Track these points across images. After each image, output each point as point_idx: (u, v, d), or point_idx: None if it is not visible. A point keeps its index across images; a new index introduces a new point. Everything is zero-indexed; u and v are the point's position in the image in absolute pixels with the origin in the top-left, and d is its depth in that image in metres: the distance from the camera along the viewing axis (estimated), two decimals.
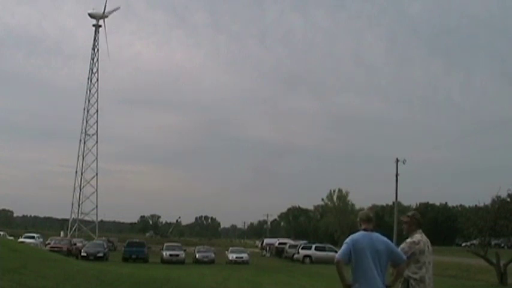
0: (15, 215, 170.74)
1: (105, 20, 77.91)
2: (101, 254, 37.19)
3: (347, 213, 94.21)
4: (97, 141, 76.20)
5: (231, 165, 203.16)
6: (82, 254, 37.09)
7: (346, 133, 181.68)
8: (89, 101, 77.00)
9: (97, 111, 76.73)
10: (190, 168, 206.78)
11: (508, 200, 23.72)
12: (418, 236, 6.30)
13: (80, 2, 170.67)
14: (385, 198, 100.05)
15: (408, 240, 6.31)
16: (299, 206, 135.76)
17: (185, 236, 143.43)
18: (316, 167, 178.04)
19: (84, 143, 76.07)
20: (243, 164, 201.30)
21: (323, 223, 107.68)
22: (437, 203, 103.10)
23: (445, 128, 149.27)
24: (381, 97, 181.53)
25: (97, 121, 76.68)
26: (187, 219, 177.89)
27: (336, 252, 5.77)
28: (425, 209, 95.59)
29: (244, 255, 41.98)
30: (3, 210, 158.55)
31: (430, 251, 6.35)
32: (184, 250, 41.97)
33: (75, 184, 75.82)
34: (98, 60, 77.61)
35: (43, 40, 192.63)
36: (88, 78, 77.58)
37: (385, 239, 5.61)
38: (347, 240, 5.58)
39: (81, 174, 75.54)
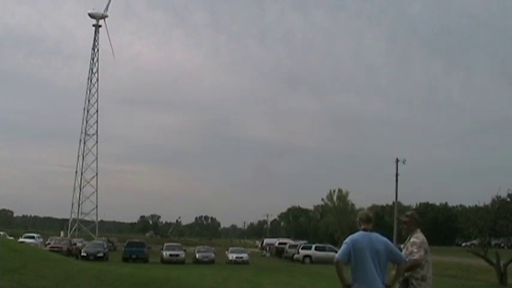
0: (15, 215, 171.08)
1: (106, 20, 77.95)
2: (101, 254, 37.19)
3: (347, 213, 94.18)
4: (97, 141, 76.36)
5: (231, 165, 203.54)
6: (82, 254, 37.09)
7: (346, 133, 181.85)
8: (89, 101, 77.13)
9: (97, 111, 76.89)
10: (190, 168, 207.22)
11: (508, 200, 23.71)
12: (421, 235, 6.29)
13: (80, 2, 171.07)
14: (385, 198, 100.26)
15: (416, 240, 6.22)
16: (299, 206, 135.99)
17: (185, 236, 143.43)
18: (316, 167, 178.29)
19: (84, 143, 76.21)
20: (243, 164, 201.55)
21: (323, 223, 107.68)
22: (437, 203, 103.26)
23: (445, 128, 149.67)
24: (380, 97, 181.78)
25: (97, 121, 76.84)
26: (187, 219, 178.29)
27: (336, 252, 5.76)
28: (425, 209, 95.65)
29: (244, 255, 41.98)
30: (3, 210, 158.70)
31: (429, 250, 6.36)
32: (184, 250, 41.96)
33: (75, 184, 75.98)
34: (98, 60, 77.76)
35: (43, 40, 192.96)
36: (88, 78, 77.74)
37: (385, 239, 5.61)
38: (346, 240, 5.59)
39: (81, 174, 75.67)
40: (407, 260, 5.96)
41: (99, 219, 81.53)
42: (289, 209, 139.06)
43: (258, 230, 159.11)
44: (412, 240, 6.23)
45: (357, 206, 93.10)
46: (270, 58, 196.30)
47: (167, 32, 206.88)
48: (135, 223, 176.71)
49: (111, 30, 78.91)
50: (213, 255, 41.55)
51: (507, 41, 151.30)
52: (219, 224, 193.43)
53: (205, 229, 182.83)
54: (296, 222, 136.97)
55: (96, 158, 75.83)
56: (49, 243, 41.39)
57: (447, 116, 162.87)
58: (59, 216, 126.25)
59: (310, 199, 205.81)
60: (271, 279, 25.24)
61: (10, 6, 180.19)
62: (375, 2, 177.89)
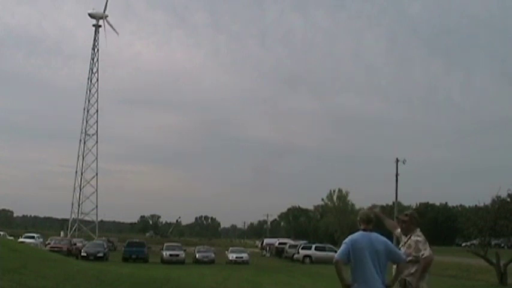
0: (15, 215, 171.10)
1: (106, 18, 77.82)
2: (101, 254, 37.19)
3: (347, 213, 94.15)
4: (97, 141, 76.32)
5: (231, 165, 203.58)
6: (82, 254, 37.09)
7: (346, 133, 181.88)
8: (89, 101, 77.10)
9: (97, 111, 76.84)
10: (190, 168, 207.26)
11: (508, 200, 23.73)
12: (421, 235, 6.28)
13: (80, 2, 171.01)
14: (385, 198, 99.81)
15: (419, 238, 6.19)
16: (299, 206, 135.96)
17: (185, 236, 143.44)
18: (316, 167, 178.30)
19: (84, 143, 76.17)
20: (243, 164, 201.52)
21: (323, 223, 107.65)
22: (437, 203, 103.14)
23: (445, 128, 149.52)
24: (381, 97, 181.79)
25: (97, 121, 76.79)
26: (187, 219, 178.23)
27: (336, 252, 5.75)
28: (425, 209, 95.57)
29: (244, 255, 41.98)
30: (3, 210, 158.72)
31: None
32: (184, 250, 41.96)
33: (75, 184, 75.94)
34: (98, 60, 77.71)
35: (43, 40, 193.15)
36: (88, 78, 77.69)
37: (384, 239, 5.61)
38: (346, 240, 5.59)
39: (81, 174, 75.63)
40: (407, 259, 5.96)
41: (99, 219, 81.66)
42: (289, 209, 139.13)
43: (258, 230, 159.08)
44: (415, 239, 6.19)
45: (357, 206, 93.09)
46: (270, 58, 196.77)
47: (167, 32, 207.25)
48: (135, 223, 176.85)
49: (110, 31, 78.45)
50: (213, 255, 41.55)
51: (507, 41, 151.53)
52: (219, 224, 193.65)
53: (205, 229, 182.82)
54: (296, 222, 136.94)
55: (96, 158, 75.94)
56: (49, 243, 41.39)
57: (447, 116, 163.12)
58: (59, 216, 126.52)
59: (310, 199, 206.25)
60: (271, 279, 25.24)
61: (10, 6, 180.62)
62: (375, 2, 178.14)
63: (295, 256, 44.40)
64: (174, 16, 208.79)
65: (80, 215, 75.78)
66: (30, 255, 16.98)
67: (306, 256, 42.95)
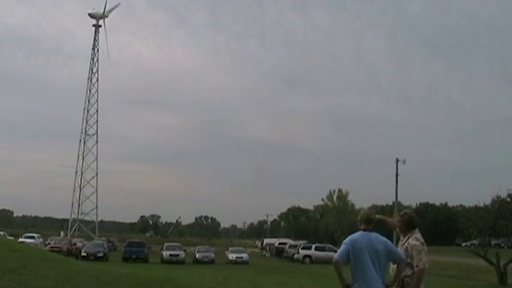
0: (15, 215, 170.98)
1: (105, 20, 77.98)
2: (101, 254, 37.19)
3: (347, 213, 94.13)
4: (97, 141, 76.33)
5: (231, 165, 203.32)
6: (82, 254, 37.09)
7: (346, 133, 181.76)
8: (89, 101, 77.11)
9: (97, 111, 76.85)
10: (190, 168, 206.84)
11: (508, 200, 23.75)
12: (419, 236, 6.19)
13: (80, 2, 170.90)
14: (385, 198, 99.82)
15: (416, 243, 6.00)
16: (299, 206, 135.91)
17: (185, 236, 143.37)
18: (316, 167, 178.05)
19: (84, 143, 76.19)
20: (243, 164, 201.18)
21: (323, 223, 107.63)
22: (437, 203, 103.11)
23: (445, 128, 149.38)
24: (380, 97, 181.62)
25: (97, 121, 76.80)
26: (187, 219, 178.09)
27: (336, 252, 5.74)
28: (425, 209, 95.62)
29: (244, 255, 41.98)
30: (3, 210, 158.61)
31: (427, 251, 6.28)
32: (184, 250, 41.97)
33: (75, 184, 75.96)
34: (98, 60, 77.72)
35: (43, 40, 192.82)
36: (88, 78, 77.72)
37: (384, 239, 5.60)
38: (345, 240, 5.60)
39: (81, 174, 75.64)
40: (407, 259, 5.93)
41: (99, 219, 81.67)
42: (289, 209, 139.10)
43: (258, 230, 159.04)
44: (412, 243, 6.03)
45: (357, 206, 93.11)
46: (270, 58, 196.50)
47: (167, 32, 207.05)
48: (135, 223, 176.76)
49: (111, 31, 78.72)
50: (213, 255, 41.55)
51: (507, 41, 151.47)
52: (219, 224, 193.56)
53: (205, 229, 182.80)
54: (296, 222, 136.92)
55: (96, 158, 75.95)
56: (49, 243, 41.39)
57: (447, 116, 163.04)
58: (59, 216, 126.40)
59: (310, 199, 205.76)
60: (271, 279, 25.25)
61: (10, 6, 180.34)
62: (375, 2, 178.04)
63: (295, 256, 44.40)
64: (174, 16, 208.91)
65: (80, 215, 75.92)
66: (30, 255, 16.98)
67: (306, 256, 42.96)
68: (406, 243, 6.12)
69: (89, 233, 73.11)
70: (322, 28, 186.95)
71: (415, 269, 5.84)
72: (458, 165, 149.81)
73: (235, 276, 26.00)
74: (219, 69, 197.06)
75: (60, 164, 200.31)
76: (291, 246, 50.04)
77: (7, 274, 11.10)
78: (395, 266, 5.81)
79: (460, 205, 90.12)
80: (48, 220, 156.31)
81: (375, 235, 5.56)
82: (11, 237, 46.36)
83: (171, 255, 39.14)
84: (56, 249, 36.46)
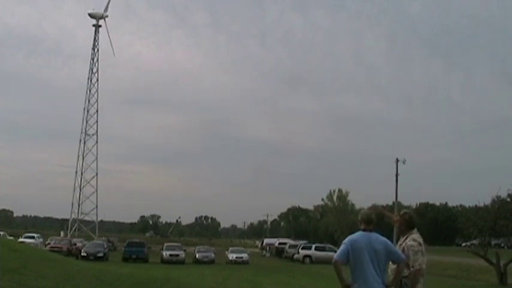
0: (15, 215, 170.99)
1: (106, 19, 77.91)
2: (101, 254, 37.19)
3: (347, 213, 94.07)
4: (97, 141, 76.25)
5: (231, 165, 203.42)
6: (82, 254, 37.09)
7: (346, 133, 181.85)
8: (89, 101, 77.06)
9: (97, 111, 76.77)
10: (190, 168, 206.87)
11: (508, 200, 23.75)
12: (417, 237, 6.18)
13: (80, 2, 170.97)
14: (385, 198, 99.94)
15: (413, 243, 6.03)
16: (299, 206, 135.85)
17: (185, 236, 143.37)
18: (316, 167, 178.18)
19: (84, 143, 76.13)
20: (243, 164, 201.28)
21: (323, 223, 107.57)
22: (437, 203, 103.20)
23: (445, 128, 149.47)
24: (380, 97, 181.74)
25: (97, 121, 76.71)
26: (187, 219, 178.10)
27: (336, 252, 5.74)
28: (425, 209, 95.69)
29: (244, 255, 41.99)
30: (3, 210, 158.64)
31: (425, 252, 6.28)
32: (184, 250, 41.97)
33: (75, 184, 75.89)
34: (98, 60, 77.64)
35: (43, 40, 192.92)
36: (88, 78, 77.63)
37: (384, 239, 5.60)
38: (345, 240, 5.60)
39: (81, 174, 75.56)
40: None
41: (99, 219, 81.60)
42: (289, 209, 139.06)
43: (258, 230, 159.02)
44: (409, 243, 6.05)
45: (357, 206, 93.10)
46: (270, 58, 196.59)
47: (167, 32, 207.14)
48: (135, 223, 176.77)
49: (111, 31, 78.74)
50: (213, 255, 41.55)
51: (507, 41, 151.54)
52: (219, 224, 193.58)
53: (205, 229, 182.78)
54: (296, 222, 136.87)
55: (96, 158, 75.88)
56: (49, 243, 41.39)
57: (447, 116, 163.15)
58: (59, 216, 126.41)
59: (310, 199, 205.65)
60: (271, 279, 25.25)
61: (10, 6, 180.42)
62: (375, 2, 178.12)
63: (295, 256, 44.40)
64: (174, 16, 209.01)
65: (80, 215, 75.83)
66: (30, 255, 16.97)
67: (306, 256, 42.96)
68: (403, 244, 6.13)
69: (89, 233, 73.07)
70: (322, 28, 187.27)
71: (411, 269, 5.84)
72: (458, 165, 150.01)
73: (235, 276, 26.00)
74: (219, 69, 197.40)
75: (60, 164, 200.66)
76: (291, 246, 50.05)
77: (7, 274, 11.10)
78: (395, 266, 5.81)
79: (460, 205, 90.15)
80: (48, 220, 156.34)
81: (374, 235, 5.56)
82: (11, 237, 46.34)
83: (171, 255, 39.14)
84: (56, 249, 36.46)
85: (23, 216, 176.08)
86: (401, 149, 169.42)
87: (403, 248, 6.06)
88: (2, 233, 54.26)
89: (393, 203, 64.37)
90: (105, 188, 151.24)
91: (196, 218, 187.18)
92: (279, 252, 53.37)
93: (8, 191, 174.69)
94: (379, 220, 6.33)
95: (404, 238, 6.19)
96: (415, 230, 6.23)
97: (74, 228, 74.42)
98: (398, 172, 53.67)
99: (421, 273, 5.93)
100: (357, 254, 5.42)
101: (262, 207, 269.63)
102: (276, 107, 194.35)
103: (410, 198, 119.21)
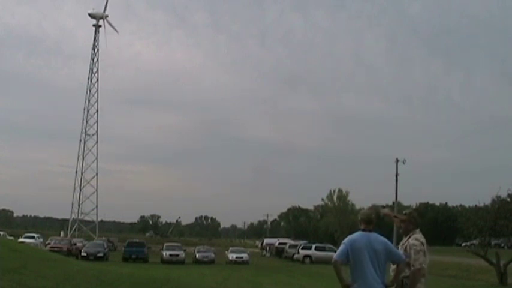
0: (15, 215, 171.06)
1: (106, 18, 77.83)
2: (101, 254, 37.20)
3: (347, 213, 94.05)
4: (97, 141, 76.38)
5: (231, 165, 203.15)
6: (82, 254, 37.10)
7: (346, 133, 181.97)
8: (89, 101, 77.13)
9: (97, 111, 76.90)
10: (190, 168, 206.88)
11: (508, 200, 23.74)
12: (420, 236, 6.16)
13: (80, 2, 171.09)
14: (385, 198, 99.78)
15: (416, 242, 6.00)
16: (299, 206, 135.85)
17: (185, 236, 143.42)
18: (316, 167, 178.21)
19: (84, 143, 76.21)
20: (243, 164, 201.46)
21: (323, 223, 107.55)
22: (437, 203, 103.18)
23: (445, 128, 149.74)
24: (380, 97, 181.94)
25: (97, 121, 76.85)
26: (187, 219, 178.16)
27: (336, 252, 5.73)
28: (425, 209, 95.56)
29: (244, 255, 41.99)
30: (3, 210, 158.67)
31: (427, 251, 6.26)
32: (184, 250, 41.98)
33: (75, 184, 75.98)
34: (98, 60, 77.81)
35: (43, 40, 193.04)
36: (88, 78, 77.77)
37: (384, 239, 5.60)
38: (344, 240, 5.60)
39: (81, 174, 75.67)
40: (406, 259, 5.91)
41: (99, 219, 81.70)
42: (289, 209, 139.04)
43: (258, 230, 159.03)
44: (412, 242, 6.03)
45: (357, 206, 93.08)
46: (270, 58, 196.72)
47: (167, 32, 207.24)
48: (135, 223, 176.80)
49: (110, 30, 78.56)
50: (213, 255, 41.56)
51: (507, 41, 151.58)
52: (219, 224, 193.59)
53: (205, 229, 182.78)
54: (296, 222, 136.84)
55: (96, 158, 75.98)
56: (49, 243, 41.39)
57: (447, 116, 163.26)
58: (59, 216, 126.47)
59: (310, 199, 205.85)
60: (271, 279, 25.24)
61: (10, 6, 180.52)
62: (375, 2, 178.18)
63: (295, 256, 44.41)
64: (174, 16, 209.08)
65: (80, 215, 75.94)
66: (30, 255, 16.97)
67: (306, 256, 42.97)
68: (406, 243, 6.12)
69: (89, 233, 73.11)
70: (322, 28, 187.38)
71: (411, 268, 5.84)
72: (458, 165, 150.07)
73: (235, 276, 26.00)
74: (219, 69, 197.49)
75: (60, 164, 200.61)
76: (291, 246, 50.06)
77: (7, 274, 11.10)
78: (396, 266, 5.80)
79: (460, 205, 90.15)
80: (48, 220, 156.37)
81: (374, 235, 5.56)
82: (11, 237, 46.36)
83: (171, 255, 39.14)
84: (56, 249, 36.47)
85: (23, 216, 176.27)
86: (401, 149, 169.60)
87: (406, 247, 6.04)
88: (2, 233, 54.27)
89: (393, 203, 64.35)
90: (105, 188, 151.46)
91: (196, 218, 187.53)
92: (279, 252, 53.39)
93: (8, 191, 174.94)
94: (379, 220, 6.30)
95: (407, 238, 6.19)
96: (418, 229, 6.22)
97: (74, 228, 74.46)
98: (398, 172, 53.82)
99: (422, 273, 5.91)
100: (357, 254, 5.41)
101: (262, 207, 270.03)
102: (276, 107, 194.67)
103: (410, 198, 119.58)
